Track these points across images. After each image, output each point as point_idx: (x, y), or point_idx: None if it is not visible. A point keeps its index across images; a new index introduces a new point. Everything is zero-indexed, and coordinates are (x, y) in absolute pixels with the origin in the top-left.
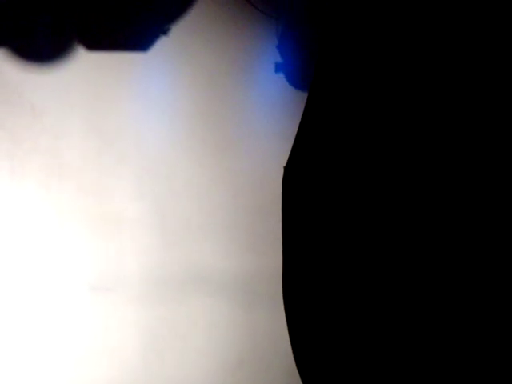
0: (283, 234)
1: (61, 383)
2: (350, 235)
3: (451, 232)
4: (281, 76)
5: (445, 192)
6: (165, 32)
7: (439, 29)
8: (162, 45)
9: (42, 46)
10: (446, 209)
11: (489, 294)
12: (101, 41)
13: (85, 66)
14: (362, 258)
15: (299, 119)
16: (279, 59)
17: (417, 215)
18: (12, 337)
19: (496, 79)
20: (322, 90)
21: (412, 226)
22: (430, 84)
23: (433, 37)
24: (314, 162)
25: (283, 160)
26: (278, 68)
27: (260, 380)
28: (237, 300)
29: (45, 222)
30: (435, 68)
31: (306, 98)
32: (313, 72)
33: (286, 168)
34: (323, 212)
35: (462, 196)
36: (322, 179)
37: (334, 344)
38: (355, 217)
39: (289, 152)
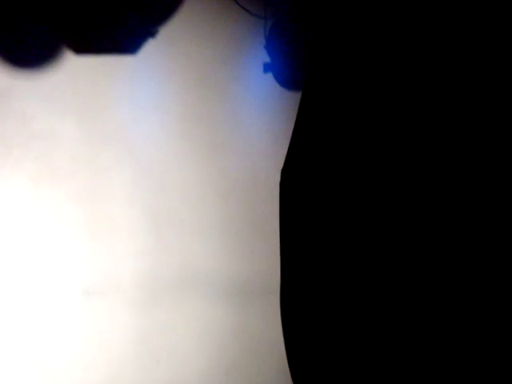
0: (281, 238)
1: None
2: (350, 239)
3: (450, 233)
4: (269, 75)
5: (445, 192)
6: (153, 34)
7: (438, 26)
8: (150, 47)
9: (30, 51)
10: (446, 209)
11: (488, 294)
12: (89, 44)
13: (74, 70)
14: (363, 263)
15: (288, 118)
16: (267, 59)
17: (420, 217)
18: (4, 341)
19: (496, 79)
20: (316, 88)
21: (417, 233)
22: (430, 79)
23: (432, 33)
24: (312, 165)
25: (274, 160)
26: (267, 68)
27: (254, 380)
28: (230, 301)
29: (37, 228)
30: (434, 64)
31: (294, 96)
32: (302, 71)
33: (283, 171)
34: (323, 216)
35: (462, 197)
36: (321, 182)
37: (329, 349)
38: (356, 221)
39: (280, 152)
